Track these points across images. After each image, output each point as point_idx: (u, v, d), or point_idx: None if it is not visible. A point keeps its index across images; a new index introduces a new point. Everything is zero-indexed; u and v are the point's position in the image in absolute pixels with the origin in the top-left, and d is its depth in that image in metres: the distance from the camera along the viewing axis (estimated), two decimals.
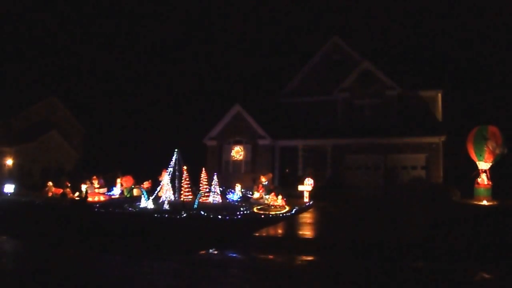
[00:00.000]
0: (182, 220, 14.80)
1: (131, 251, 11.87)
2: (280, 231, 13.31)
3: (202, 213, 15.24)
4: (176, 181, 19.79)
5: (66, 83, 45.13)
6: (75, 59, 52.36)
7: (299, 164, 24.91)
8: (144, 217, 15.69)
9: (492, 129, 19.68)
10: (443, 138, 22.66)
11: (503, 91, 34.21)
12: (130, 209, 16.97)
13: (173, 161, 19.63)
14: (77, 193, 21.16)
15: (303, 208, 17.64)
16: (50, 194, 22.15)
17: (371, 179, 23.26)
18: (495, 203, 18.64)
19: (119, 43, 55.90)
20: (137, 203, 17.98)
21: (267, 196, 18.68)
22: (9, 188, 22.46)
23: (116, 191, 22.13)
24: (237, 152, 25.33)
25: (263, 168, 23.77)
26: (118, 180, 22.46)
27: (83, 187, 21.20)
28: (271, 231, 13.13)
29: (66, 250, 12.20)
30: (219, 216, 14.69)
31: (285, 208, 17.16)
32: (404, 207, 18.69)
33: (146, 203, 17.76)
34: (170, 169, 19.37)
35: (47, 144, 31.01)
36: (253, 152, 24.96)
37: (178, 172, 19.71)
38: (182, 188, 19.76)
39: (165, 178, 19.31)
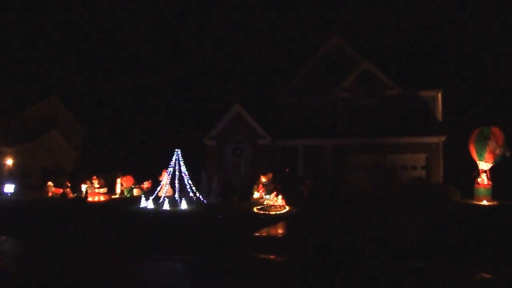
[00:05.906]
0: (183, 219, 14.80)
1: (130, 250, 11.87)
2: (280, 231, 13.32)
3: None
4: (176, 181, 19.72)
5: (67, 82, 45.11)
6: (76, 59, 52.30)
7: (299, 164, 24.88)
8: (145, 217, 15.69)
9: (494, 129, 19.66)
10: (443, 138, 22.65)
11: (503, 91, 34.19)
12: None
13: (173, 161, 19.59)
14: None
15: (303, 208, 17.63)
16: (50, 194, 22.15)
17: (371, 179, 23.23)
18: (495, 203, 18.62)
19: (119, 42, 55.87)
20: (138, 205, 17.89)
21: (267, 196, 18.68)
22: (9, 188, 22.47)
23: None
24: (237, 152, 25.31)
25: (263, 168, 23.75)
26: (118, 180, 22.46)
27: (83, 187, 21.21)
28: (271, 231, 13.13)
29: (66, 250, 12.19)
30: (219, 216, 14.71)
31: (285, 208, 17.16)
32: (404, 207, 18.66)
33: (146, 203, 17.75)
34: (170, 169, 19.31)
35: (47, 144, 30.99)
36: (253, 152, 24.95)
37: (178, 172, 19.65)
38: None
39: (165, 178, 19.28)
